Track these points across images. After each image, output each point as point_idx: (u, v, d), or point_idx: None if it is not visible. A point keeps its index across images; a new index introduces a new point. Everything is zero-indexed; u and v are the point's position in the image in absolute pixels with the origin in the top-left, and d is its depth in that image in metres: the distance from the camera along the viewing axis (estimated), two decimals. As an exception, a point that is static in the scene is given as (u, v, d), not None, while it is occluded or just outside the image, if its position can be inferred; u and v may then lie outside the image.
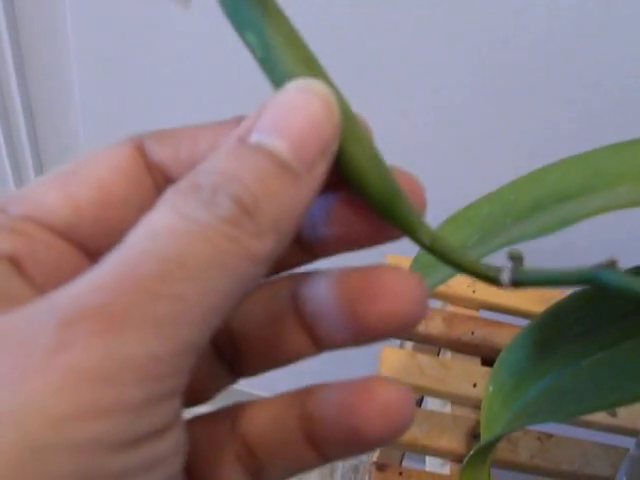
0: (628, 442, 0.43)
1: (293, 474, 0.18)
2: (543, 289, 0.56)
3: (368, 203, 0.16)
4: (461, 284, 0.56)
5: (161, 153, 0.17)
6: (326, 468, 1.07)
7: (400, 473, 0.42)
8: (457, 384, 0.48)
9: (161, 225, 0.13)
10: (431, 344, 0.53)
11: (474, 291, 0.56)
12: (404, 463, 0.59)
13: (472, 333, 0.52)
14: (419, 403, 0.64)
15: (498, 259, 0.19)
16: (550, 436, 0.46)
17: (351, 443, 0.17)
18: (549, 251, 0.57)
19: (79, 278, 0.13)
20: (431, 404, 0.54)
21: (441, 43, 0.58)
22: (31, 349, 0.11)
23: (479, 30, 0.56)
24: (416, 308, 0.16)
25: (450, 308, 0.56)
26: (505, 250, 0.17)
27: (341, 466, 1.08)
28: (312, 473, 1.04)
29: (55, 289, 0.13)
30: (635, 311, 0.30)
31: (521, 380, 0.35)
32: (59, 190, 0.16)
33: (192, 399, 0.19)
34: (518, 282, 0.17)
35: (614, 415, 0.47)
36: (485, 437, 0.36)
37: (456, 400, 0.48)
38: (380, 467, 0.42)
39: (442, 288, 0.55)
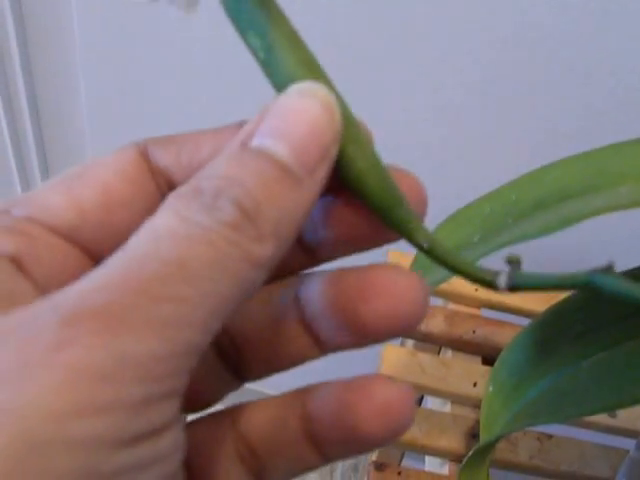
0: (628, 443, 0.43)
1: (295, 474, 0.18)
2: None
3: (367, 206, 0.16)
4: (463, 282, 0.55)
5: (164, 158, 0.17)
6: (325, 467, 1.07)
7: (399, 473, 0.42)
8: (457, 383, 0.48)
9: (163, 228, 0.13)
10: (432, 342, 0.53)
11: (476, 289, 0.55)
12: (403, 463, 0.58)
13: (473, 332, 0.52)
14: (419, 402, 0.64)
15: (497, 262, 0.19)
16: (550, 437, 0.46)
17: (351, 443, 0.17)
18: (549, 251, 0.57)
19: (81, 279, 0.13)
20: (431, 403, 0.54)
21: (441, 43, 0.58)
22: (33, 346, 0.11)
23: (479, 29, 0.56)
24: (416, 307, 0.16)
25: (451, 306, 0.56)
26: (505, 251, 0.17)
27: (340, 465, 1.08)
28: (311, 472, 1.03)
29: (57, 290, 0.13)
30: (637, 312, 0.30)
31: (521, 380, 0.35)
32: (64, 193, 0.16)
33: (197, 404, 0.19)
34: (515, 286, 0.17)
35: (614, 416, 0.47)
36: (484, 437, 0.36)
37: (456, 399, 0.48)
38: (379, 467, 0.42)
39: (444, 286, 0.55)
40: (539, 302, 0.54)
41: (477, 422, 0.45)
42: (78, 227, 0.16)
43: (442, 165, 0.66)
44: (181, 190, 0.14)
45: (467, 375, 0.49)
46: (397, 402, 0.16)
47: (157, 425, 0.13)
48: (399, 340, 0.61)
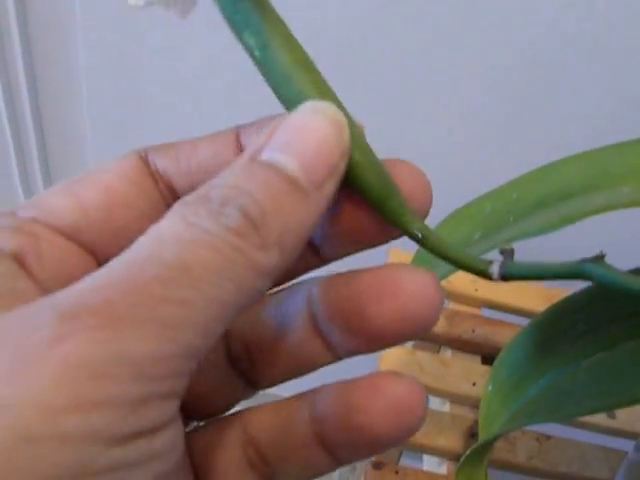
0: (627, 445, 0.43)
1: (306, 479, 0.18)
2: (546, 288, 0.56)
3: (362, 198, 0.16)
4: (463, 281, 0.56)
5: (164, 163, 0.18)
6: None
7: (396, 472, 0.42)
8: (456, 383, 0.48)
9: (168, 233, 0.13)
10: (431, 341, 0.53)
11: (476, 289, 0.55)
12: (401, 462, 0.58)
13: (473, 331, 0.52)
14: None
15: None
16: (548, 437, 0.46)
17: (362, 444, 0.16)
18: (550, 251, 0.57)
19: (83, 279, 0.13)
20: (430, 402, 0.54)
21: (446, 44, 0.58)
22: (30, 341, 0.12)
23: (484, 30, 0.56)
24: (432, 306, 0.16)
25: (451, 305, 0.56)
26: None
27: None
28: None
29: (59, 289, 0.13)
30: (636, 312, 0.30)
31: (521, 379, 0.35)
32: (67, 195, 0.17)
33: (209, 411, 0.19)
34: (507, 276, 0.17)
35: (613, 417, 0.47)
36: (483, 436, 0.35)
37: (455, 399, 0.48)
38: (376, 465, 0.42)
39: (444, 285, 0.55)
40: (539, 302, 0.54)
41: (476, 422, 0.45)
42: (81, 228, 0.16)
43: (443, 164, 0.66)
44: (188, 198, 0.14)
45: (466, 375, 0.48)
46: (408, 399, 0.16)
47: (153, 424, 0.13)
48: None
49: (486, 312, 0.55)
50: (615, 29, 0.53)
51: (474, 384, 0.48)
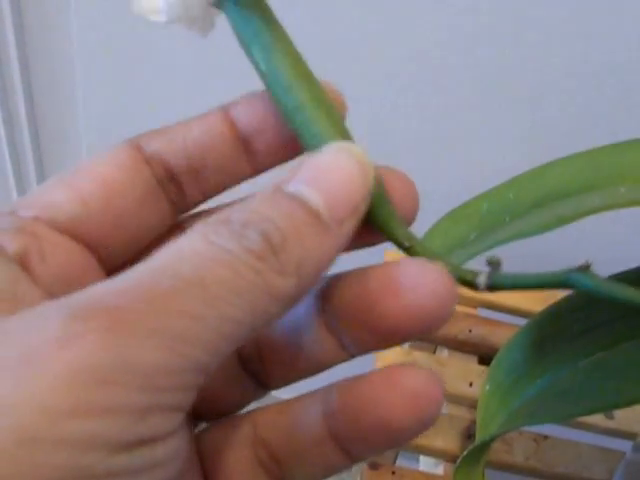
0: (625, 445, 0.43)
1: (319, 478, 0.18)
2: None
3: None
4: (460, 282, 0.56)
5: (157, 145, 0.18)
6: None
7: (393, 472, 0.42)
8: (453, 383, 0.48)
9: (188, 249, 0.13)
10: (428, 342, 0.53)
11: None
12: (397, 462, 0.58)
13: (469, 331, 0.52)
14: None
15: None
16: (546, 438, 0.46)
17: (379, 438, 0.16)
18: (547, 252, 0.57)
19: (94, 285, 0.13)
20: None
21: (440, 39, 0.58)
22: (37, 340, 0.11)
23: (478, 26, 0.56)
24: (443, 301, 0.16)
25: (448, 306, 0.56)
26: (503, 249, 0.18)
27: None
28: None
29: (62, 290, 0.13)
30: (634, 313, 0.30)
31: (518, 380, 0.35)
32: (65, 188, 0.17)
33: (220, 411, 0.19)
34: (494, 286, 0.18)
35: (611, 417, 0.47)
36: (481, 437, 0.35)
37: (452, 399, 0.48)
38: (373, 466, 0.42)
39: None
40: (536, 302, 0.54)
41: (473, 422, 0.45)
42: (82, 219, 0.17)
43: (439, 164, 0.66)
44: (210, 219, 0.14)
45: (463, 375, 0.48)
46: (426, 390, 0.16)
47: (157, 434, 0.12)
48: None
49: (483, 312, 0.55)
50: (613, 28, 0.53)
51: (471, 384, 0.48)
